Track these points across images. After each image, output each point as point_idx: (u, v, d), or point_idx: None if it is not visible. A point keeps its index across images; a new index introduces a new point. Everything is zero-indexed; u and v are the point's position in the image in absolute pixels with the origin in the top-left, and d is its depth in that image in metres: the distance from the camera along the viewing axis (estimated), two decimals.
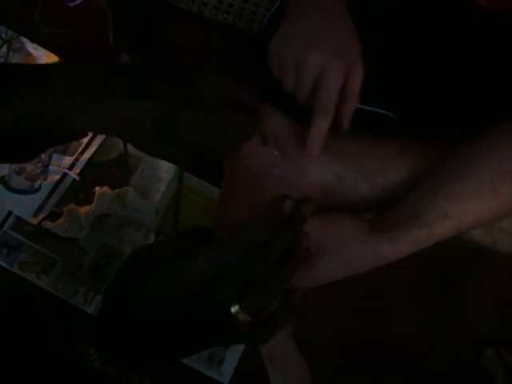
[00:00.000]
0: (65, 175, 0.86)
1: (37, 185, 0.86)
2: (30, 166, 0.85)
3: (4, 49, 0.89)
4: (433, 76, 0.72)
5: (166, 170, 0.88)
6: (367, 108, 0.70)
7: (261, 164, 0.59)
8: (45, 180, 0.86)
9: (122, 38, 0.80)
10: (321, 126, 0.58)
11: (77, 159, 0.87)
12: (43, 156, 0.85)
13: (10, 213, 0.84)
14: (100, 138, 0.87)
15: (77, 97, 0.47)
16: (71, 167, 0.86)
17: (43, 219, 0.84)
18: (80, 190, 0.86)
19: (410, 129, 0.69)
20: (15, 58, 0.89)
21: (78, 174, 0.86)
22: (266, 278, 0.47)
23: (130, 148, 0.88)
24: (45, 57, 0.90)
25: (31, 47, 0.90)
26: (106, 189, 0.86)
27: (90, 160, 0.87)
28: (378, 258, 0.54)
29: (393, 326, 0.77)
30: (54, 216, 0.85)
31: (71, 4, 0.93)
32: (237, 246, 0.47)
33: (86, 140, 0.87)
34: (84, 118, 0.48)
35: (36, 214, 0.84)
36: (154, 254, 0.48)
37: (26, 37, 0.91)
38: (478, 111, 0.68)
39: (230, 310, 0.45)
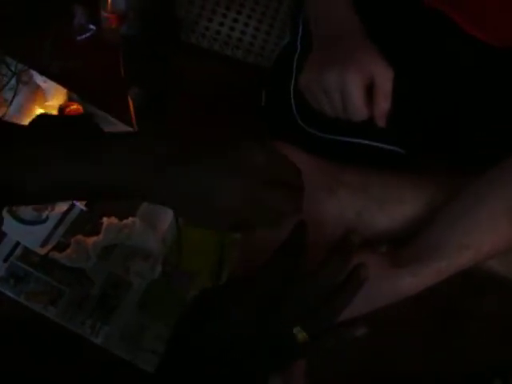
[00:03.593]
0: (72, 206, 0.87)
1: (44, 215, 0.86)
2: None
3: (13, 81, 0.91)
4: (441, 110, 0.74)
5: None
6: (376, 144, 0.72)
7: None
8: (52, 210, 0.87)
9: (133, 71, 0.82)
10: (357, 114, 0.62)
11: None
12: None
13: (17, 243, 0.85)
14: None
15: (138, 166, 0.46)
16: None
17: (50, 250, 0.85)
18: (87, 221, 0.87)
19: (421, 163, 0.71)
20: (24, 91, 0.90)
21: (86, 205, 0.87)
22: (326, 304, 0.50)
23: None
24: (53, 90, 0.91)
25: (40, 80, 0.92)
26: (113, 219, 0.87)
27: None
28: (400, 292, 0.56)
29: (398, 357, 0.78)
30: (61, 246, 0.85)
31: (80, 38, 0.95)
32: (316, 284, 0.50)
33: None
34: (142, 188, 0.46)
35: (43, 244, 0.85)
36: (219, 296, 0.51)
37: (35, 69, 0.92)
38: (487, 145, 0.71)
39: (291, 331, 0.49)
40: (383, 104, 0.61)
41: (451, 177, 0.64)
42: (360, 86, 0.60)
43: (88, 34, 0.95)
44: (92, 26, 0.95)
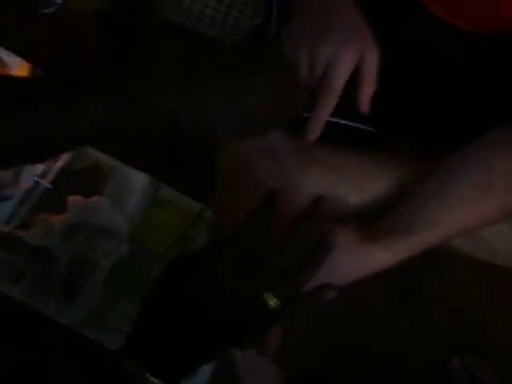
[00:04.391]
0: (37, 183, 0.85)
1: (8, 193, 0.85)
2: (1, 174, 0.84)
3: None
4: (417, 93, 0.74)
5: (140, 179, 0.88)
6: (348, 123, 0.72)
7: (258, 175, 0.61)
8: (16, 188, 0.85)
9: (104, 46, 0.80)
10: (321, 113, 0.62)
11: (49, 167, 0.86)
12: None
13: None
14: None
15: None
16: (43, 175, 0.86)
17: (14, 228, 0.83)
18: (52, 199, 0.86)
19: (392, 142, 0.72)
20: None
21: (51, 183, 0.86)
22: (297, 269, 0.51)
23: (103, 156, 0.88)
24: (17, 64, 0.89)
25: (4, 54, 0.89)
26: (78, 198, 0.86)
27: (62, 168, 0.87)
28: (373, 266, 0.57)
29: (361, 333, 0.79)
30: (25, 225, 0.84)
31: (46, 10, 0.93)
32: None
33: None
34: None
35: (7, 222, 0.84)
36: (189, 263, 0.51)
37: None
38: (459, 124, 0.71)
39: (263, 298, 0.49)
40: (368, 88, 0.62)
41: (425, 159, 0.64)
42: (349, 67, 0.61)
43: (54, 7, 0.93)
44: (58, 0, 0.92)
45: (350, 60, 0.60)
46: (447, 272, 0.76)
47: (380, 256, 0.58)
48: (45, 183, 0.85)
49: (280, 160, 0.62)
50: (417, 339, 0.78)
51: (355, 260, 0.58)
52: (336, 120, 0.71)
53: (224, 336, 0.50)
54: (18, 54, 0.89)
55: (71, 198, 0.85)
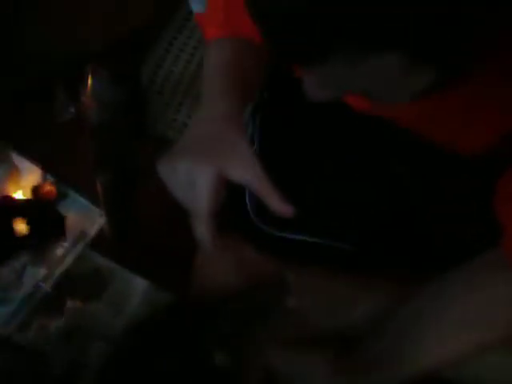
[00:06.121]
0: (38, 287, 0.87)
1: (9, 296, 0.86)
2: (4, 277, 0.86)
3: None
4: (387, 208, 0.74)
5: (139, 283, 0.89)
6: (323, 242, 0.73)
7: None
8: (18, 291, 0.87)
9: (102, 159, 0.84)
10: (201, 235, 0.57)
11: (52, 271, 0.88)
12: (18, 267, 0.87)
13: None
14: (76, 252, 0.89)
15: None
16: (45, 279, 0.87)
17: (12, 331, 0.84)
18: (51, 303, 0.87)
19: (371, 261, 0.72)
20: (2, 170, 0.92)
21: (52, 287, 0.87)
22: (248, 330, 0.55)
23: (105, 261, 0.90)
24: (28, 169, 0.93)
25: (17, 159, 0.93)
26: (76, 302, 0.87)
27: (64, 273, 0.88)
28: None
29: None
30: (22, 328, 0.85)
31: (60, 119, 0.98)
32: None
33: (62, 253, 0.89)
34: None
35: (6, 324, 0.85)
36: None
37: (16, 149, 0.94)
38: (437, 245, 0.71)
39: (212, 356, 0.52)
40: (263, 193, 0.55)
41: (401, 279, 0.64)
42: (209, 183, 0.55)
43: (68, 116, 0.98)
44: (72, 109, 0.97)
45: (205, 180, 0.54)
46: None
47: None
48: (46, 287, 0.87)
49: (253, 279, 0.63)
50: None
51: None
52: (310, 239, 0.71)
53: None
54: (31, 159, 0.93)
55: (69, 303, 0.86)
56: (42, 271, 0.88)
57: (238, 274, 0.59)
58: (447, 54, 0.43)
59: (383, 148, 0.66)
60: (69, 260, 0.89)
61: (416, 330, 0.57)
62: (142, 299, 0.88)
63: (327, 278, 0.65)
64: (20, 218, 0.82)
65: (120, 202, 0.87)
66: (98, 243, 0.91)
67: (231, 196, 0.79)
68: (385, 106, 0.54)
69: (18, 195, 0.90)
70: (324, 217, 0.68)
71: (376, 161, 0.68)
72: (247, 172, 0.55)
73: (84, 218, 0.91)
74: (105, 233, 0.90)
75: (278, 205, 0.54)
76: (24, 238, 0.82)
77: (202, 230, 0.56)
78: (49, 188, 0.91)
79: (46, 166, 0.94)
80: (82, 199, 0.92)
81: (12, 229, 0.80)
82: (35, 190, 0.91)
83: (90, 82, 0.91)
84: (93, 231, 0.90)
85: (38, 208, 0.83)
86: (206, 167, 0.54)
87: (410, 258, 0.69)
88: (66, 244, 0.89)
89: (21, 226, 0.82)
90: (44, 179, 0.93)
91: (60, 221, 0.84)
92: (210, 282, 0.63)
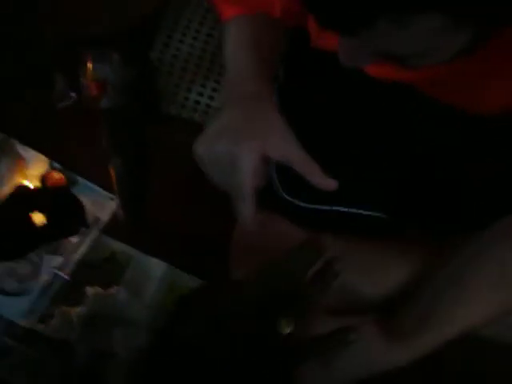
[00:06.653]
0: (55, 276, 0.86)
1: (27, 286, 0.86)
2: (20, 268, 0.85)
3: None
4: (418, 174, 0.75)
5: (157, 266, 0.89)
6: (354, 210, 0.74)
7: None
8: (35, 281, 0.86)
9: (114, 143, 0.83)
10: (244, 213, 0.58)
11: (67, 259, 0.87)
12: (34, 257, 0.86)
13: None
14: (90, 238, 0.88)
15: None
16: (62, 267, 0.87)
17: (34, 322, 0.84)
18: (71, 291, 0.87)
19: (405, 228, 0.73)
20: (5, 162, 0.90)
21: (69, 275, 0.87)
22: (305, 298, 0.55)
23: (120, 246, 0.89)
24: (34, 158, 0.91)
25: (21, 149, 0.92)
26: (97, 289, 0.86)
27: (80, 260, 0.88)
28: (389, 364, 0.57)
29: None
30: (44, 318, 0.84)
31: (61, 105, 0.96)
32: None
33: (76, 240, 0.88)
34: None
35: (27, 316, 0.84)
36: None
37: (16, 138, 0.92)
38: (471, 211, 0.72)
39: (276, 325, 0.52)
40: (305, 170, 0.58)
41: (436, 244, 0.65)
42: (251, 162, 0.56)
43: (68, 102, 0.96)
44: (72, 94, 0.96)
45: (250, 159, 0.55)
46: None
47: (395, 355, 0.57)
48: (63, 275, 0.86)
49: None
50: None
51: (374, 358, 0.57)
52: (344, 209, 0.73)
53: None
54: (36, 148, 0.92)
55: (89, 290, 0.86)
56: (59, 259, 0.87)
57: (277, 248, 0.60)
58: (488, 11, 0.43)
59: (408, 113, 0.67)
60: (84, 246, 0.88)
61: (455, 291, 0.58)
62: (161, 282, 0.88)
63: (361, 244, 0.66)
64: (36, 209, 0.81)
65: (134, 184, 0.86)
66: (112, 228, 0.90)
67: None
68: (408, 71, 0.55)
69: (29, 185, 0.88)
70: (357, 186, 0.69)
71: (402, 126, 0.69)
72: (288, 149, 0.56)
73: (96, 203, 0.90)
74: (118, 217, 0.89)
75: (322, 179, 0.55)
76: (43, 228, 0.81)
77: (246, 206, 0.56)
78: (58, 176, 0.90)
79: (51, 154, 0.92)
80: (92, 185, 0.91)
81: (30, 220, 0.79)
82: (44, 178, 0.90)
83: (92, 66, 0.89)
84: (106, 216, 0.90)
85: (55, 197, 0.82)
86: (246, 147, 0.55)
87: (443, 224, 0.70)
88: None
89: (38, 217, 0.81)
90: (51, 167, 0.91)
91: (80, 208, 0.83)
92: (249, 258, 0.63)
